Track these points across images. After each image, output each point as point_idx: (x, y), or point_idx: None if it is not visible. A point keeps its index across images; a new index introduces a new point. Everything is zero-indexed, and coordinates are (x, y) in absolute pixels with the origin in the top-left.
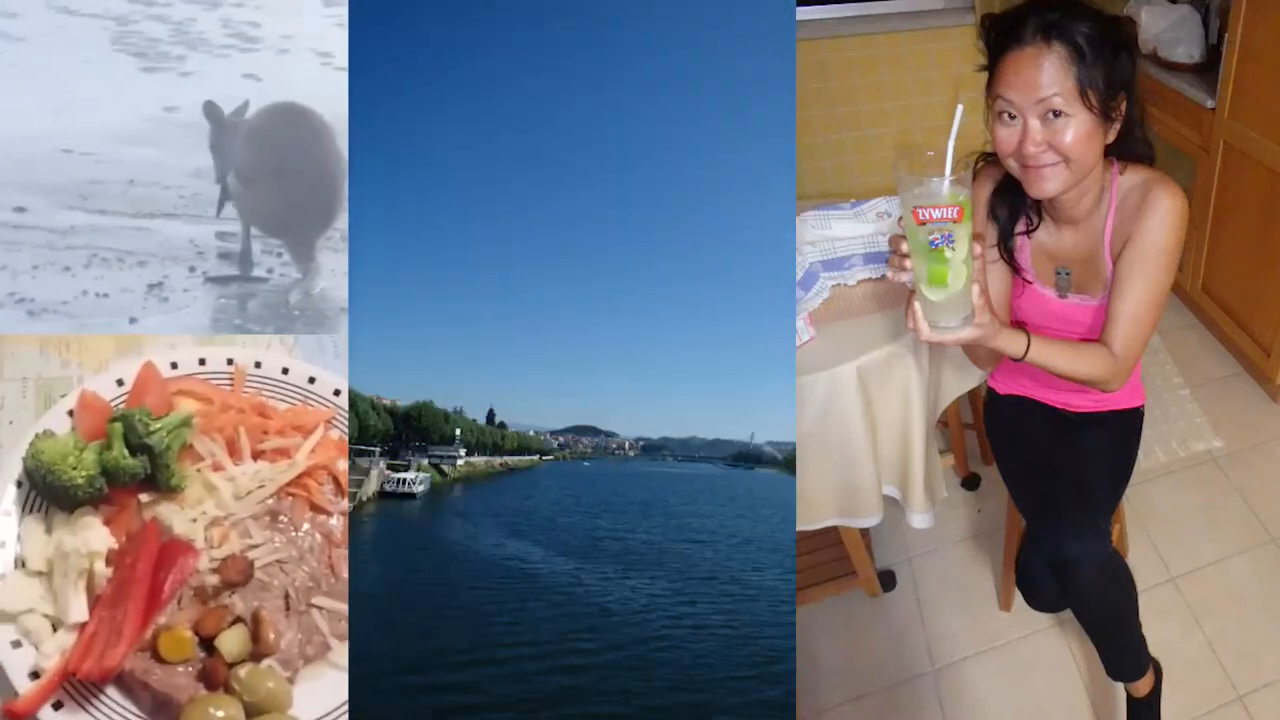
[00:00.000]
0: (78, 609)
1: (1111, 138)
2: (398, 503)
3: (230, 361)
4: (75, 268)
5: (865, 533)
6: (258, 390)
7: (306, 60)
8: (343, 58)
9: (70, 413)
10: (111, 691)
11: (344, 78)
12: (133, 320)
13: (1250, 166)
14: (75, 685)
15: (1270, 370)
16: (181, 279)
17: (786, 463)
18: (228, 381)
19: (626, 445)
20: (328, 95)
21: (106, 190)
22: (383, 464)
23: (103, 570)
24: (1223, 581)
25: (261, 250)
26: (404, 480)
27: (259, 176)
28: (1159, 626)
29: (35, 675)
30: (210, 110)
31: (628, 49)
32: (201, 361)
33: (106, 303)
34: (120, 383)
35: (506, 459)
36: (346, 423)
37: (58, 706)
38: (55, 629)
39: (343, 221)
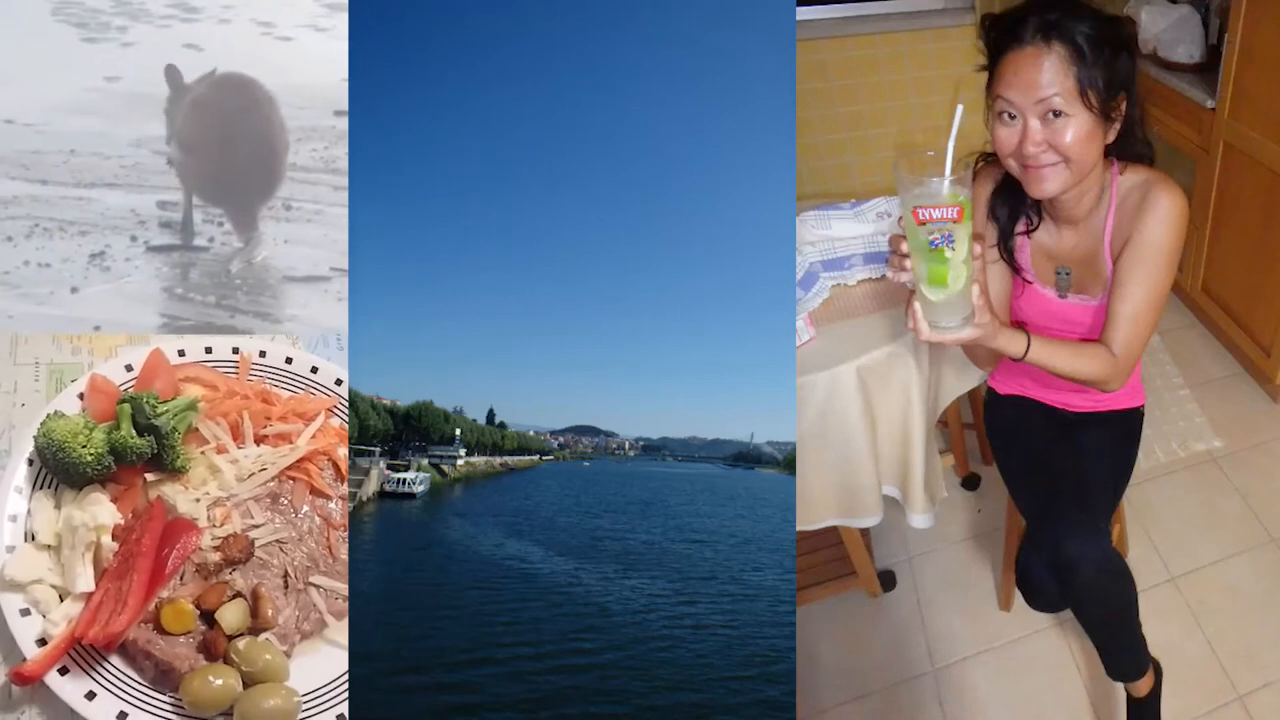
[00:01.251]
0: (85, 579)
1: (1111, 138)
2: (398, 503)
3: (235, 351)
4: (17, 237)
5: (865, 533)
6: (261, 378)
7: (247, 30)
8: (284, 28)
9: (81, 395)
10: (115, 660)
11: (286, 47)
12: (74, 290)
13: (1250, 166)
14: (81, 652)
15: (1270, 370)
16: (123, 248)
17: (786, 463)
18: (233, 369)
19: (626, 445)
20: (269, 65)
21: (47, 160)
22: (383, 464)
23: (109, 544)
24: (1223, 581)
25: (203, 219)
26: (404, 480)
27: (201, 145)
28: (1159, 626)
29: (43, 642)
30: (170, 74)
31: (628, 49)
32: (208, 350)
33: (48, 272)
34: (129, 368)
35: (506, 459)
36: (346, 411)
37: (64, 672)
38: (62, 599)
39: (285, 191)
